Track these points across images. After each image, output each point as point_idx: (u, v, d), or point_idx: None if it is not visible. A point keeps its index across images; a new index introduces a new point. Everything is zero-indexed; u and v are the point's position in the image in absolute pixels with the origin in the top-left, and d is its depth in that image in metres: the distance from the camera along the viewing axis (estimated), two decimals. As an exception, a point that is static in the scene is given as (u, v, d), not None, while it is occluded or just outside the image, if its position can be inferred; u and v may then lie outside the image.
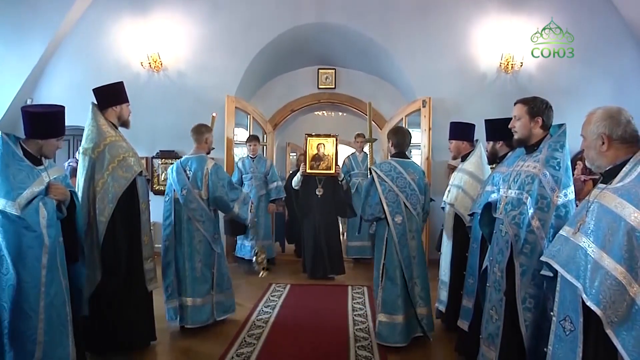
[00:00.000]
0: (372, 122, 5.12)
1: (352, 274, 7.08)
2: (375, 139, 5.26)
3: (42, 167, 3.10)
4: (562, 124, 2.94)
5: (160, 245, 4.66)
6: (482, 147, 4.37)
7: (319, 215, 6.83)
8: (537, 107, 2.98)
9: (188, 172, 4.60)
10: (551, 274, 2.37)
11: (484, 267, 3.25)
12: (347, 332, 4.66)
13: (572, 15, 7.29)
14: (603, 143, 2.17)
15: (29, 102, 7.84)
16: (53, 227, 2.95)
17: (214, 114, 5.41)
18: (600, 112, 2.22)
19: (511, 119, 3.14)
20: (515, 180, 2.97)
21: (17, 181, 2.85)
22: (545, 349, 2.35)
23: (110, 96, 3.87)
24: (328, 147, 6.89)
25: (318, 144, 6.91)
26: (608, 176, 2.17)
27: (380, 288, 4.29)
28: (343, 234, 9.29)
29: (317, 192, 6.87)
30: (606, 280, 1.93)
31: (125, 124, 3.97)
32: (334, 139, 6.92)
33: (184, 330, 4.56)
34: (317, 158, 6.88)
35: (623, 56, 7.44)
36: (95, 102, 3.84)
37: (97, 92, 3.86)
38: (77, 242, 3.30)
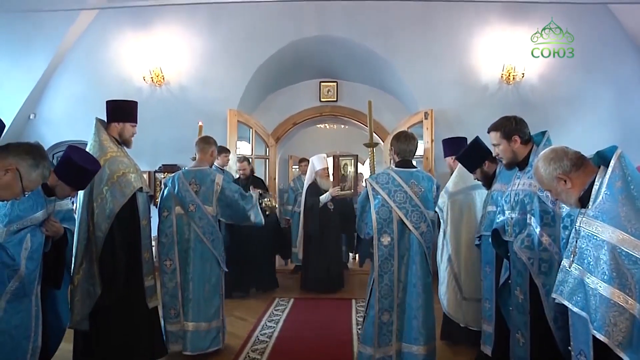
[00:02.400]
0: (374, 134, 5.00)
1: (356, 288, 7.03)
2: (377, 144, 5.12)
3: (52, 197, 3.03)
4: (545, 132, 2.95)
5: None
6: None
7: (331, 230, 6.84)
8: (508, 128, 3.06)
9: (195, 187, 4.27)
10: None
11: (501, 284, 3.23)
12: (351, 346, 4.61)
13: (573, 25, 7.27)
14: (565, 182, 2.20)
15: (31, 117, 7.87)
16: (35, 260, 2.79)
17: (200, 123, 5.30)
18: (541, 163, 2.28)
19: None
20: (516, 200, 2.97)
21: (20, 209, 2.80)
22: None
23: (117, 111, 3.86)
24: (350, 166, 6.90)
25: (344, 164, 6.94)
26: (585, 201, 2.17)
27: (364, 314, 3.87)
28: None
29: (329, 206, 6.80)
30: (603, 305, 1.94)
31: (125, 142, 3.88)
32: (355, 158, 6.94)
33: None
34: (343, 179, 6.90)
35: (624, 65, 7.43)
36: (100, 118, 3.83)
37: (109, 104, 3.87)
38: (61, 274, 3.17)
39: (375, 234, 3.64)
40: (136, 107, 3.95)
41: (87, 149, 3.70)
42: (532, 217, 2.83)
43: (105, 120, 3.84)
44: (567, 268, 2.22)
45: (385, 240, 3.64)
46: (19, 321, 2.72)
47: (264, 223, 4.66)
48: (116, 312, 3.64)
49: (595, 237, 2.04)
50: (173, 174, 4.45)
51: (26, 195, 2.51)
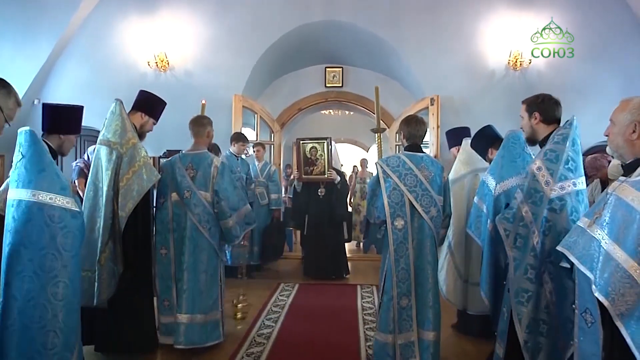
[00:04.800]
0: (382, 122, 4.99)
1: (361, 273, 7.05)
2: (384, 129, 5.07)
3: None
4: (573, 119, 2.92)
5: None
6: (463, 149, 4.52)
7: (321, 215, 6.71)
8: (532, 103, 3.03)
9: (191, 172, 4.02)
10: (568, 266, 2.34)
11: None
12: (357, 331, 4.63)
13: (580, 11, 7.23)
14: (634, 131, 2.10)
15: (36, 103, 7.85)
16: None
17: (203, 101, 5.15)
18: (638, 100, 2.15)
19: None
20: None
21: (63, 178, 2.73)
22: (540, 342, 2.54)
23: (148, 104, 3.92)
24: (320, 150, 6.67)
25: (311, 148, 6.72)
26: (629, 169, 2.12)
27: (378, 301, 3.79)
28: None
29: (319, 192, 6.72)
30: (616, 273, 1.91)
31: (141, 135, 3.93)
32: (326, 141, 6.69)
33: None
34: (310, 163, 6.69)
35: (632, 52, 7.34)
36: (107, 101, 3.84)
37: (142, 93, 3.93)
38: None
39: (389, 217, 3.57)
40: (164, 107, 4.03)
41: (109, 128, 3.71)
42: (520, 192, 2.85)
43: (131, 106, 3.89)
44: (583, 227, 2.19)
45: (399, 223, 3.57)
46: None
47: (236, 242, 4.51)
48: (128, 293, 3.65)
49: (628, 205, 1.98)
50: (169, 158, 4.23)
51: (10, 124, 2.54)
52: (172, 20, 7.75)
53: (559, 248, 2.32)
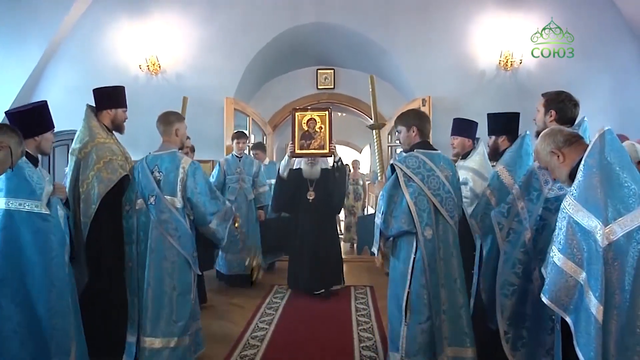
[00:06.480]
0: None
1: (354, 275, 7.05)
2: (384, 124, 4.48)
3: (39, 168, 3.09)
4: (582, 118, 2.95)
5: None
6: (483, 146, 4.34)
7: (310, 222, 5.80)
8: (552, 100, 3.01)
9: (157, 174, 3.54)
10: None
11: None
12: (351, 332, 4.63)
13: (572, 12, 7.29)
14: (558, 156, 2.31)
15: (27, 107, 7.80)
16: (67, 225, 3.06)
17: (185, 96, 4.87)
18: (539, 139, 2.44)
19: (514, 113, 3.21)
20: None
21: (35, 181, 2.83)
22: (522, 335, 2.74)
23: (106, 99, 3.83)
24: (320, 122, 5.76)
25: (308, 120, 5.75)
26: (573, 178, 2.22)
27: (404, 324, 3.19)
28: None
29: (307, 197, 5.83)
30: (554, 272, 2.09)
31: (118, 128, 3.88)
32: (327, 112, 5.79)
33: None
34: (308, 136, 5.72)
35: (622, 53, 7.42)
36: (92, 104, 3.82)
37: (96, 92, 3.84)
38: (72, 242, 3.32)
39: (419, 228, 3.13)
40: (124, 91, 3.92)
41: (75, 136, 3.72)
42: (519, 188, 2.91)
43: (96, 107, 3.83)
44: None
45: (429, 233, 3.15)
46: (72, 286, 3.04)
47: (224, 243, 3.89)
48: (102, 298, 3.56)
49: (563, 209, 2.12)
50: (137, 161, 3.74)
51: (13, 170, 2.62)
52: (163, 23, 7.74)
53: (542, 269, 2.39)
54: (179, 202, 3.51)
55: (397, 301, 3.25)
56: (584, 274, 1.98)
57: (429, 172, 3.21)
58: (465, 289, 3.32)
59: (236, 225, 3.93)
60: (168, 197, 3.49)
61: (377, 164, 4.16)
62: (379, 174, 4.10)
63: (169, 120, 3.68)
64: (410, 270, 3.17)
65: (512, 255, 2.85)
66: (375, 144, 4.08)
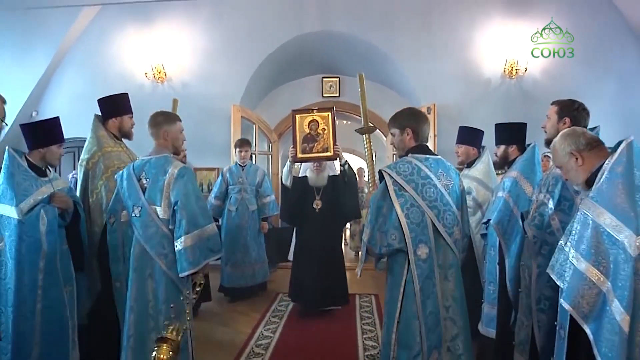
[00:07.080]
0: (377, 130, 4.44)
1: (359, 283, 7.02)
2: (375, 128, 4.11)
3: (46, 178, 3.27)
4: (596, 127, 2.92)
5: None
6: (488, 155, 4.33)
7: (316, 234, 5.38)
8: (567, 107, 2.95)
9: (144, 182, 3.09)
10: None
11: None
12: (355, 340, 4.61)
13: (574, 17, 7.27)
14: (577, 159, 2.27)
15: (34, 115, 7.87)
16: (53, 233, 3.11)
17: (175, 98, 4.59)
18: (558, 138, 2.38)
19: (522, 123, 3.18)
20: (545, 183, 2.93)
21: (22, 189, 3.06)
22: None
23: (111, 107, 3.86)
24: (322, 124, 5.29)
25: (310, 122, 5.29)
26: (591, 184, 2.20)
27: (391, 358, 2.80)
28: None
29: (314, 206, 5.43)
30: (577, 278, 2.03)
31: (126, 135, 3.91)
32: (329, 113, 5.32)
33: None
34: (310, 139, 5.25)
35: (626, 57, 7.40)
36: (99, 115, 3.84)
37: (100, 102, 3.87)
38: (83, 252, 3.43)
39: (410, 246, 2.73)
40: (127, 98, 3.94)
41: (84, 146, 3.77)
42: (551, 199, 2.80)
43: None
44: (562, 244, 2.25)
45: (423, 252, 2.74)
46: (56, 294, 3.08)
47: (190, 271, 2.97)
48: (114, 307, 3.48)
49: (585, 215, 2.07)
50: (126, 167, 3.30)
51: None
52: (169, 31, 7.80)
53: (547, 270, 2.35)
54: (164, 213, 3.00)
55: (386, 331, 2.89)
56: (608, 283, 1.94)
57: (424, 179, 2.81)
58: (464, 315, 2.90)
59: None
60: (153, 207, 3.02)
61: (368, 172, 3.79)
62: (370, 184, 3.73)
63: (155, 122, 3.23)
64: (401, 291, 2.79)
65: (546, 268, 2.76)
66: (365, 149, 3.78)
